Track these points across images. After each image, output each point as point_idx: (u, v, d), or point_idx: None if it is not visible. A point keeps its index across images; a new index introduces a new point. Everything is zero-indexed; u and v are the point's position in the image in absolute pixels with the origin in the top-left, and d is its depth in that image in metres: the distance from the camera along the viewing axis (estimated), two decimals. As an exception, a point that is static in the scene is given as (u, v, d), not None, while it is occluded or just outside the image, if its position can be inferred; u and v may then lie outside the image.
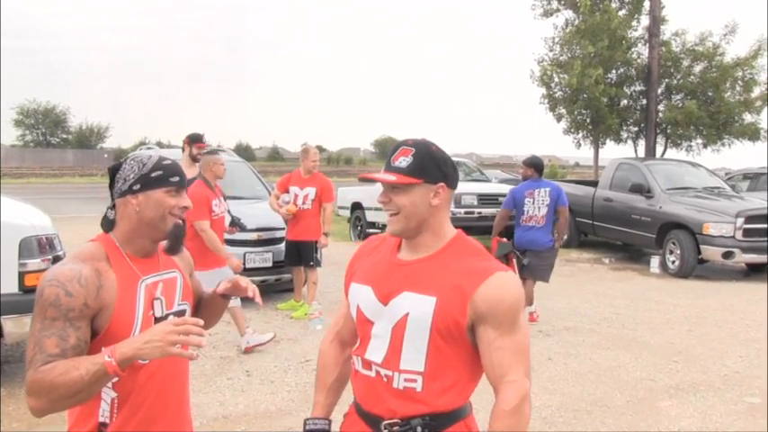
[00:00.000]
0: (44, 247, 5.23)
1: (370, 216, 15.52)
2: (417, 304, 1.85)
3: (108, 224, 2.01)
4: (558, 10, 19.92)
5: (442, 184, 1.90)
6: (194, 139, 7.15)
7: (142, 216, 1.95)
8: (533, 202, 7.42)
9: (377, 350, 1.91)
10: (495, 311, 1.81)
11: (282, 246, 8.06)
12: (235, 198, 7.78)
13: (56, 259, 5.26)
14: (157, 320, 1.93)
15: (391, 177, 1.86)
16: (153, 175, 1.97)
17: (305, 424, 2.08)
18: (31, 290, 5.12)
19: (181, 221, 2.01)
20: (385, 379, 1.89)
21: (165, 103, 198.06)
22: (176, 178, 1.99)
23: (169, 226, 1.98)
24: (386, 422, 1.88)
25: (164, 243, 2.04)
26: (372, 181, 1.97)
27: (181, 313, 2.03)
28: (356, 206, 16.06)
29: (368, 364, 1.93)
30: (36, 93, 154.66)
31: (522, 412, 1.84)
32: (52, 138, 73.32)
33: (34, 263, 5.11)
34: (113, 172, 2.01)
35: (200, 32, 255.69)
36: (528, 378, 1.87)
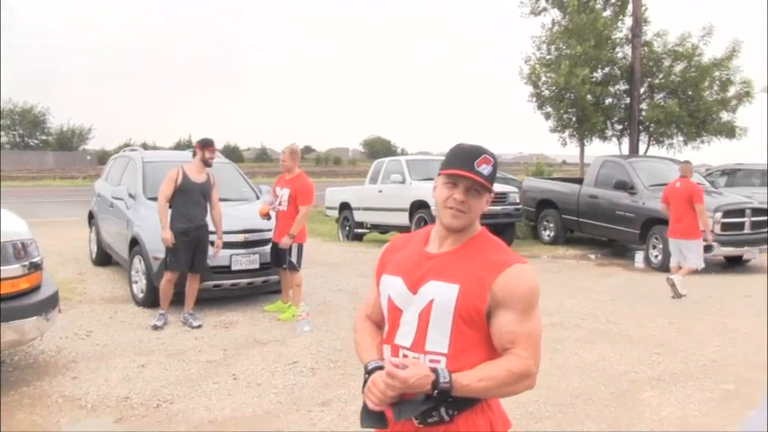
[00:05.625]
0: (20, 252, 5.07)
1: (358, 216, 15.60)
2: (442, 291, 2.03)
3: None
4: (545, 9, 20.08)
5: (493, 193, 2.14)
6: (206, 144, 7.41)
7: None
8: None
9: (406, 336, 2.08)
10: (510, 298, 2.00)
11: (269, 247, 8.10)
12: (221, 200, 7.81)
13: (32, 266, 5.14)
14: None
15: (484, 182, 2.07)
16: None
17: (366, 366, 2.13)
18: (8, 297, 4.94)
19: None
20: None
21: (152, 104, 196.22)
22: None
23: None
24: None
25: None
26: (461, 176, 2.07)
27: None
28: (344, 206, 16.13)
29: (396, 350, 2.09)
30: (13, 93, 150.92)
31: (517, 384, 2.01)
32: (30, 139, 71.93)
33: (10, 269, 4.96)
34: None
35: (188, 32, 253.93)
36: (536, 365, 2.03)
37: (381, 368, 2.04)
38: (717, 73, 18.90)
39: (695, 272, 9.39)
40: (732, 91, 19.06)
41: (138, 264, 8.21)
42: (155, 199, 7.75)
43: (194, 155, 7.48)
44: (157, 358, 6.15)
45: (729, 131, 19.25)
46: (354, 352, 2.32)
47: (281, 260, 7.75)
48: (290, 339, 6.89)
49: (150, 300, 7.90)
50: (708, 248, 11.06)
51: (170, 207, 7.25)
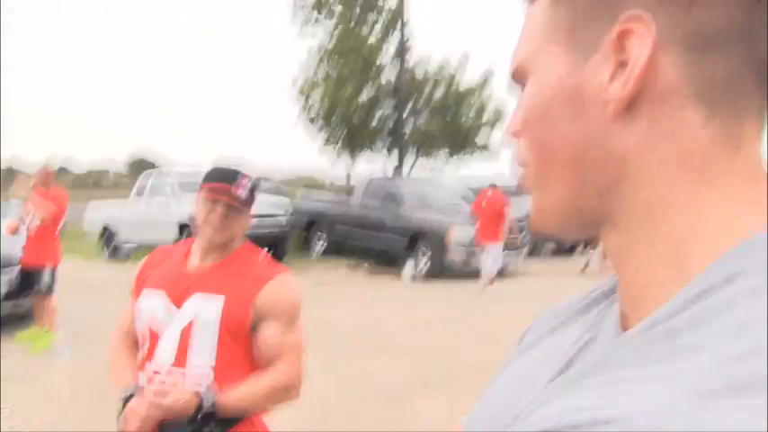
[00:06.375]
0: None
1: (123, 233, 14.81)
2: (207, 305, 2.04)
3: None
4: (314, 31, 20.51)
5: (252, 212, 2.21)
6: None
7: None
8: None
9: (168, 352, 2.04)
10: (274, 310, 2.05)
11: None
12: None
13: None
14: None
15: (243, 201, 2.12)
16: None
17: (122, 391, 2.04)
18: None
19: None
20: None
21: None
22: None
23: None
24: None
25: None
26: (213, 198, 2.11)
27: None
28: (108, 223, 15.23)
29: (158, 368, 2.04)
30: None
31: (280, 398, 2.07)
32: None
33: None
34: None
35: None
36: (298, 378, 2.07)
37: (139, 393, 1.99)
38: (473, 98, 20.54)
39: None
40: (486, 115, 20.85)
41: None
42: None
43: None
44: None
45: (485, 153, 21.02)
46: (118, 377, 2.15)
47: (32, 283, 7.08)
48: (46, 370, 6.31)
49: None
50: (469, 257, 11.99)
51: None
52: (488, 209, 10.68)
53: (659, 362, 0.42)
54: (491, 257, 10.65)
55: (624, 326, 0.55)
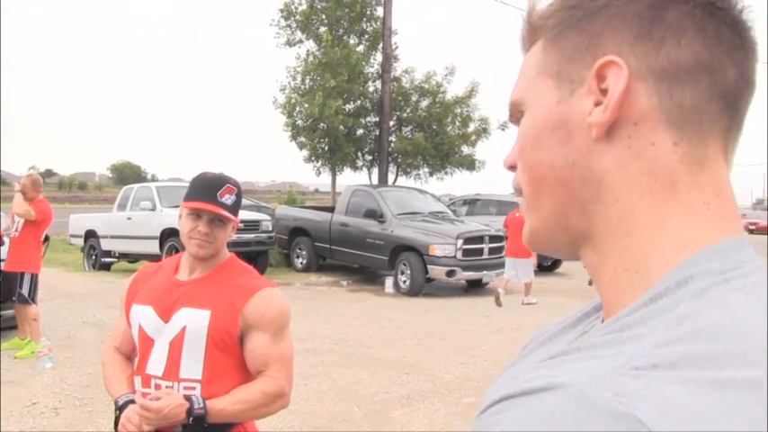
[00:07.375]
0: None
1: (106, 244, 14.75)
2: (194, 318, 2.07)
3: None
4: (300, 41, 20.53)
5: (239, 220, 2.21)
6: None
7: None
8: None
9: (157, 364, 2.08)
10: (262, 321, 2.10)
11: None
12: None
13: None
14: None
15: (228, 214, 2.13)
16: None
17: (117, 402, 2.10)
18: None
19: None
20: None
21: None
22: None
23: None
24: None
25: None
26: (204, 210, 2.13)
27: None
28: (90, 234, 15.19)
29: (148, 381, 2.08)
30: None
31: (271, 405, 2.11)
32: None
33: None
34: None
35: None
36: (289, 385, 2.12)
37: (133, 402, 2.03)
38: (458, 110, 20.68)
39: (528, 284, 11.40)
40: (472, 127, 20.97)
41: None
42: None
43: None
44: None
45: (470, 164, 21.14)
46: (103, 388, 2.25)
47: (12, 292, 7.09)
48: (28, 379, 6.30)
49: None
50: (451, 273, 12.08)
51: None
52: (514, 228, 11.11)
53: (606, 347, 0.50)
54: (519, 272, 11.25)
55: None
